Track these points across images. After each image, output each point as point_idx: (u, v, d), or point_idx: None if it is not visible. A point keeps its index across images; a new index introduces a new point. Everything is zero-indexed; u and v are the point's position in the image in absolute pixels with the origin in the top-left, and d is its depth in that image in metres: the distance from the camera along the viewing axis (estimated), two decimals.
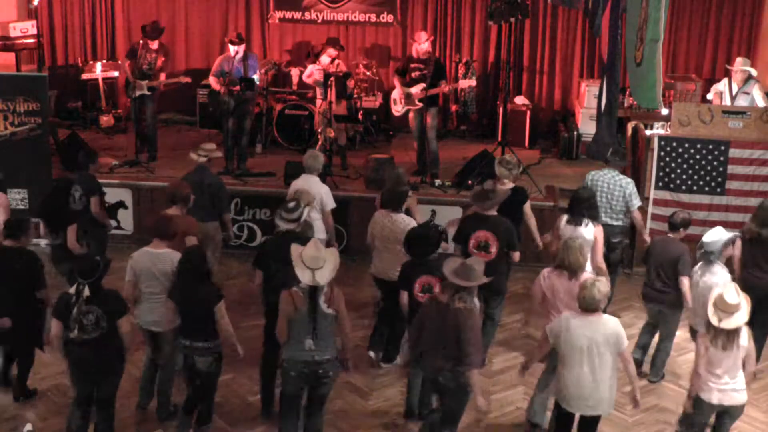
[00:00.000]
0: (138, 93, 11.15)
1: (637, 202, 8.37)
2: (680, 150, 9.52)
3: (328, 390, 6.08)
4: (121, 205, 9.16)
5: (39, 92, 10.22)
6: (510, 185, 7.94)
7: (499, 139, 11.27)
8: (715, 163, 9.52)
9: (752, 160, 9.47)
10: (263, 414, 6.89)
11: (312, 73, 11.48)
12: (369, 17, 13.11)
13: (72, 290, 5.87)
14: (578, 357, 5.77)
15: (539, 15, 12.80)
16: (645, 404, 7.16)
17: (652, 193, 9.57)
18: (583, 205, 7.51)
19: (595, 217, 7.62)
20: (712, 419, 6.26)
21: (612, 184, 8.36)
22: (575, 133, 11.93)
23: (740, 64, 10.57)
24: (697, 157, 9.52)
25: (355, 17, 13.11)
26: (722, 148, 9.48)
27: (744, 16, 12.38)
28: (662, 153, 9.56)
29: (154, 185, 10.36)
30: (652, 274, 7.45)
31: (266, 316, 6.85)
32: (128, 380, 7.12)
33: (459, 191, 10.30)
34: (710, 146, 9.50)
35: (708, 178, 9.52)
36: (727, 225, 8.39)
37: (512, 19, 10.72)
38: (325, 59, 11.44)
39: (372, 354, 7.72)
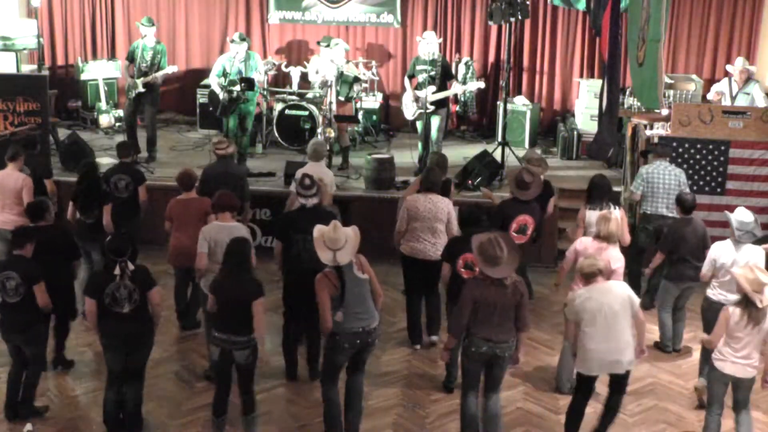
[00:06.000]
0: (135, 92, 11.16)
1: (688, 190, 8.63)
2: (680, 150, 9.52)
3: (371, 353, 6.52)
4: None
5: (39, 92, 10.21)
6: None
7: (499, 139, 11.28)
8: (715, 163, 9.53)
9: (752, 160, 9.47)
10: (288, 375, 7.45)
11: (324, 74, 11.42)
12: (369, 17, 13.10)
13: (116, 270, 6.13)
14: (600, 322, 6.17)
15: (539, 15, 12.80)
16: (645, 404, 7.18)
17: None
18: (603, 191, 7.86)
19: (615, 201, 7.96)
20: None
21: (667, 174, 8.70)
22: (575, 133, 11.93)
23: (740, 64, 10.57)
24: (697, 157, 9.52)
25: (355, 17, 13.11)
26: (722, 148, 9.49)
27: (744, 16, 12.37)
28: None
29: (154, 185, 10.34)
30: (685, 254, 7.77)
31: (285, 287, 7.41)
32: None
33: (459, 191, 10.29)
34: (710, 146, 9.50)
35: (708, 178, 9.52)
36: (727, 225, 8.40)
37: (512, 19, 10.73)
38: (340, 53, 11.40)
39: (418, 347, 8.14)
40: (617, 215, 7.28)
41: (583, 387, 6.46)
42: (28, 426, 6.62)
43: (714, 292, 7.18)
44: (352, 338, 6.19)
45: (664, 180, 8.67)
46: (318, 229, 6.25)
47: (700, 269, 7.55)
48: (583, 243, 7.14)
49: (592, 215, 7.72)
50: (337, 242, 6.12)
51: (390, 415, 6.98)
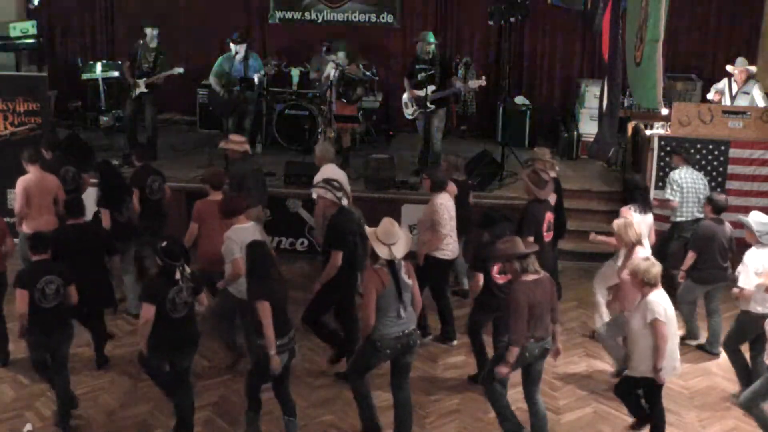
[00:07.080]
0: (137, 92, 11.15)
1: None
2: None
3: (413, 358, 6.41)
4: None
5: (39, 92, 10.22)
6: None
7: (499, 139, 11.28)
8: (715, 163, 9.54)
9: (752, 160, 9.48)
10: (337, 342, 7.51)
11: (329, 74, 11.43)
12: (369, 17, 13.11)
13: (177, 275, 6.05)
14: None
15: (539, 15, 12.80)
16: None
17: (652, 193, 9.55)
18: (645, 190, 7.97)
19: (650, 203, 8.10)
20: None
21: (697, 179, 8.78)
22: (575, 133, 11.93)
23: (740, 64, 10.57)
24: (697, 157, 9.52)
25: (355, 17, 13.12)
26: (722, 148, 9.50)
27: (744, 16, 12.37)
28: (662, 153, 9.57)
29: None
30: (713, 255, 7.71)
31: (338, 286, 7.20)
32: (128, 386, 7.15)
33: None
34: (710, 146, 9.52)
35: (708, 178, 9.51)
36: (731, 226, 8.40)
37: (512, 19, 10.73)
38: (342, 56, 11.43)
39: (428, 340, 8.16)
40: (629, 216, 7.26)
41: (641, 390, 6.53)
42: (28, 426, 6.62)
43: (755, 305, 6.97)
44: (394, 343, 6.15)
45: (695, 185, 8.71)
46: (368, 229, 6.30)
47: (724, 270, 7.53)
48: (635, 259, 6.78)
49: (636, 219, 7.47)
50: (393, 236, 6.09)
51: (390, 415, 6.94)
